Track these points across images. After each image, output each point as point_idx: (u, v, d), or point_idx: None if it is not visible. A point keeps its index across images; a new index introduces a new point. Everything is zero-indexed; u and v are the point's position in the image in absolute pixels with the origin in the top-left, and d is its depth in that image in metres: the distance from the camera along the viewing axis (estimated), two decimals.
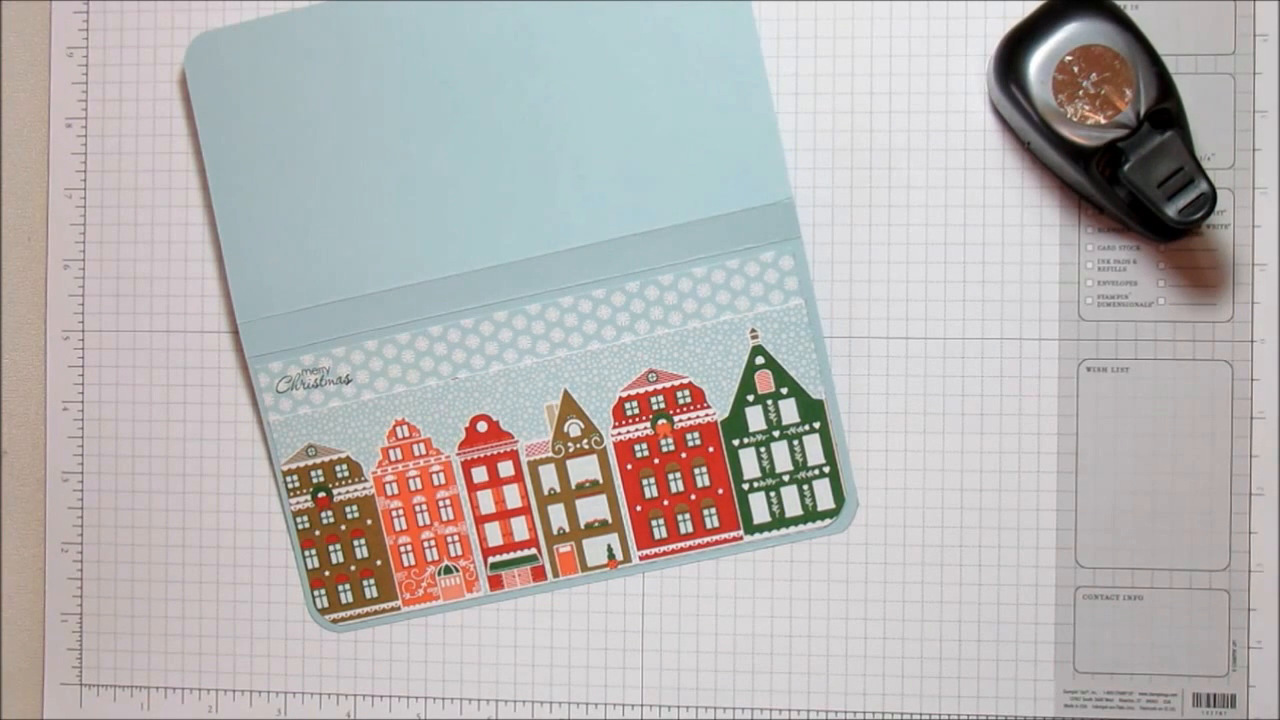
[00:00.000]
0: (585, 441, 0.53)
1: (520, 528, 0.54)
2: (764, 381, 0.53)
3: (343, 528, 0.54)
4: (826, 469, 0.53)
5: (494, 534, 0.54)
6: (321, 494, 0.54)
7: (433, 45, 0.53)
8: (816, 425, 0.53)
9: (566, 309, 0.53)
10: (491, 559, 0.54)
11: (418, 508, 0.54)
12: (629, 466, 0.53)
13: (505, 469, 0.54)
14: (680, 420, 0.53)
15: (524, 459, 0.54)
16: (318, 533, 0.54)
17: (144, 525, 0.55)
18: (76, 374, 0.56)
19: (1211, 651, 0.52)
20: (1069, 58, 0.48)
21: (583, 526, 0.54)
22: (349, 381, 0.54)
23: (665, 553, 0.53)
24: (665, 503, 0.53)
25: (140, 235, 0.56)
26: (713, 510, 0.53)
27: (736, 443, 0.53)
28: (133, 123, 0.56)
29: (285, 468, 0.54)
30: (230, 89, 0.54)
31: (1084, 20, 0.49)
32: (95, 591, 0.56)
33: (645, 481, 0.53)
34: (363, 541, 0.54)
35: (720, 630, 0.53)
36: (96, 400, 0.56)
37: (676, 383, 0.53)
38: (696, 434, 0.53)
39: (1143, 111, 0.48)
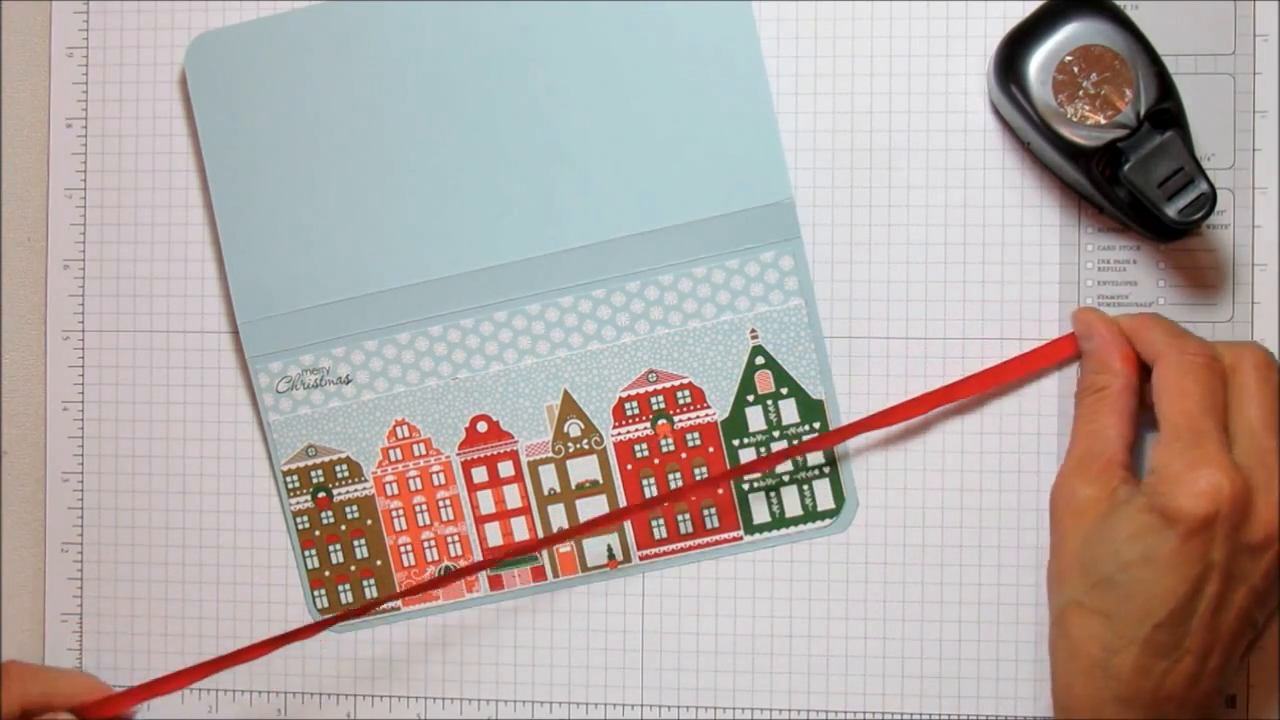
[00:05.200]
0: (585, 441, 0.53)
1: (520, 528, 0.54)
2: (764, 381, 0.53)
3: (343, 528, 0.54)
4: (826, 469, 0.53)
5: (494, 534, 0.54)
6: (321, 494, 0.54)
7: (432, 45, 0.53)
8: (816, 425, 0.53)
9: (566, 309, 0.53)
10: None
11: (418, 508, 0.54)
12: (629, 467, 0.53)
13: (505, 469, 0.54)
14: (680, 420, 0.53)
15: (524, 459, 0.54)
16: (318, 533, 0.54)
17: (144, 525, 0.55)
18: (76, 374, 0.56)
19: None
20: (1069, 58, 0.48)
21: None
22: (349, 381, 0.54)
23: (665, 553, 0.53)
24: (665, 503, 0.53)
25: (140, 235, 0.56)
26: (713, 510, 0.53)
27: (736, 443, 0.53)
28: (133, 123, 0.56)
29: (285, 468, 0.54)
30: (230, 89, 0.54)
31: (1084, 20, 0.49)
32: (95, 591, 0.56)
33: (645, 481, 0.53)
34: (363, 541, 0.54)
35: (720, 630, 0.53)
36: (96, 400, 0.56)
37: (676, 383, 0.53)
38: (696, 434, 0.53)
39: (1143, 111, 0.48)
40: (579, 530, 0.52)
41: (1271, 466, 0.45)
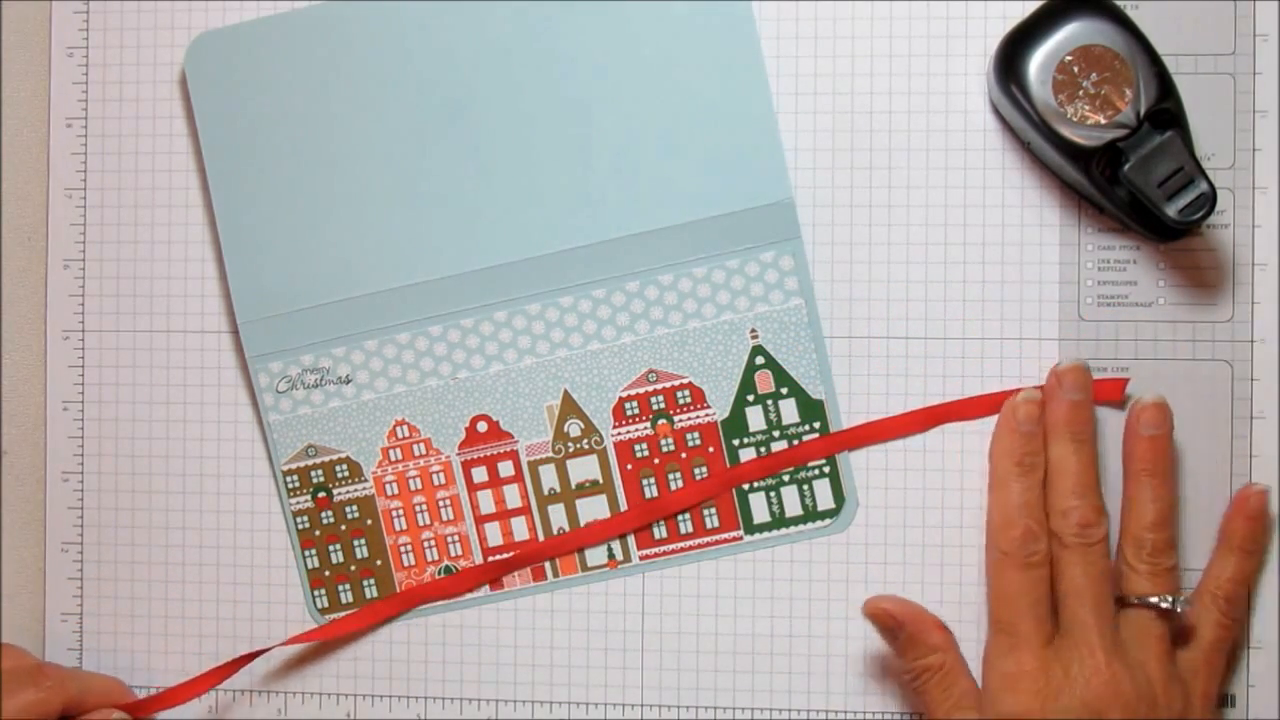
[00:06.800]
0: (585, 441, 0.53)
1: (520, 528, 0.54)
2: (764, 381, 0.53)
3: (343, 528, 0.54)
4: (826, 469, 0.53)
5: (494, 534, 0.54)
6: (321, 494, 0.54)
7: (429, 46, 0.53)
8: (816, 425, 0.53)
9: (566, 309, 0.53)
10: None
11: (418, 508, 0.54)
12: (629, 466, 0.53)
13: (505, 469, 0.54)
14: (680, 420, 0.53)
15: (524, 459, 0.54)
16: (318, 533, 0.54)
17: (144, 525, 0.55)
18: (76, 374, 0.56)
19: None
20: (1069, 58, 0.48)
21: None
22: (349, 381, 0.54)
23: (665, 553, 0.53)
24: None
25: (140, 235, 0.56)
26: (713, 510, 0.53)
27: (736, 443, 0.53)
28: (133, 123, 0.56)
29: (285, 468, 0.54)
30: (230, 89, 0.54)
31: (1084, 20, 0.49)
32: (95, 591, 0.56)
33: (645, 481, 0.53)
34: (363, 541, 0.54)
35: (720, 630, 0.53)
36: (96, 400, 0.56)
37: (676, 383, 0.53)
38: (696, 434, 0.53)
39: (1143, 111, 0.48)
40: (580, 539, 0.52)
41: (1091, 626, 0.47)
